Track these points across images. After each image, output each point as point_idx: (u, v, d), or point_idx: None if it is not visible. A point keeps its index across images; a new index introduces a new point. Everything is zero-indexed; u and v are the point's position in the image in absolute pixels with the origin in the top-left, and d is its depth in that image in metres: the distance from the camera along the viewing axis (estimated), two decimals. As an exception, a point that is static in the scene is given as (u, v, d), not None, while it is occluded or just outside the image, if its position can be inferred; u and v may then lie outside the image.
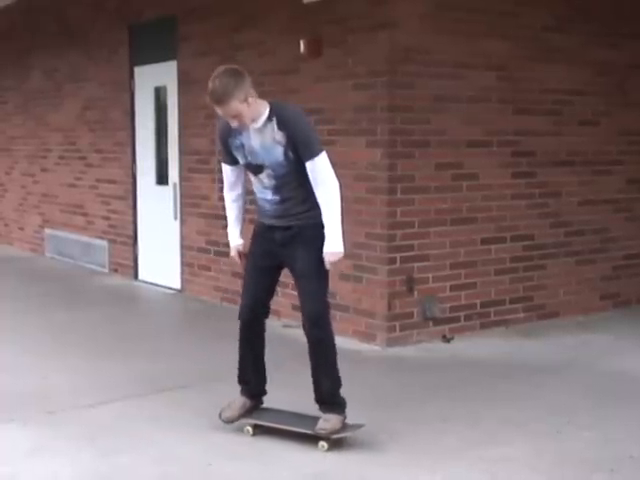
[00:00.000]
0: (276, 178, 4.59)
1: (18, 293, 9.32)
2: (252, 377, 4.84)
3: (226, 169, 4.86)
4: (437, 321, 6.98)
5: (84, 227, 11.08)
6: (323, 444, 4.58)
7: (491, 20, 7.09)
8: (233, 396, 4.95)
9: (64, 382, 5.85)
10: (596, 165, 7.95)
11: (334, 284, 6.96)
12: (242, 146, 4.64)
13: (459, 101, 6.98)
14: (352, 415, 4.79)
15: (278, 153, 4.53)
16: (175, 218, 9.17)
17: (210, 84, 4.44)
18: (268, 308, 4.81)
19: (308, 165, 4.50)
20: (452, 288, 7.06)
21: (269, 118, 4.53)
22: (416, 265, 6.84)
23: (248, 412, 4.82)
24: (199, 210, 8.78)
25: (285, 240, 4.64)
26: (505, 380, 5.86)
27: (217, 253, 8.37)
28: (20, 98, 12.77)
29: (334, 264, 4.60)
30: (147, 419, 5.08)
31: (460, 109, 6.99)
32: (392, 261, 6.72)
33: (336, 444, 4.60)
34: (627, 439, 4.71)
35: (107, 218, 10.54)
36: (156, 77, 9.46)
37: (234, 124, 4.52)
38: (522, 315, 7.50)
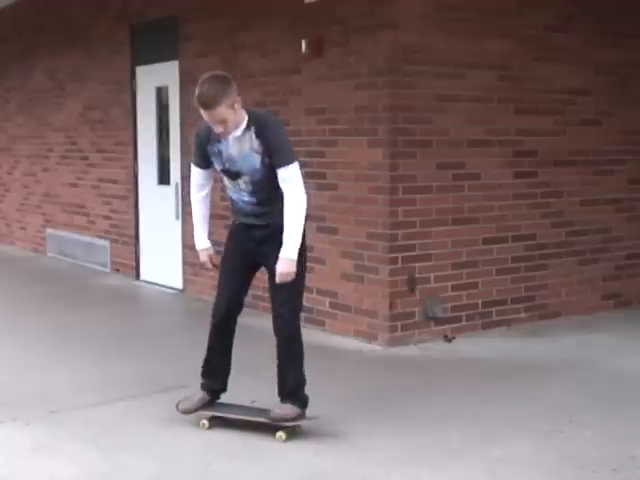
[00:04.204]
0: (253, 184, 4.69)
1: (20, 293, 9.32)
2: (217, 373, 4.91)
3: (197, 171, 4.92)
4: (439, 321, 6.98)
5: (86, 227, 11.09)
6: (281, 435, 4.67)
7: (493, 19, 7.09)
8: (234, 395, 4.97)
9: (66, 381, 5.86)
10: (598, 165, 7.94)
11: (336, 284, 7.04)
12: (220, 153, 4.71)
13: (461, 101, 6.97)
14: (352, 414, 4.79)
15: (255, 161, 4.61)
16: (177, 218, 9.16)
17: (198, 89, 4.50)
18: (242, 305, 4.92)
19: (280, 172, 4.57)
20: (454, 288, 7.06)
21: (248, 127, 4.60)
22: (418, 265, 6.84)
23: (205, 406, 4.91)
24: (201, 210, 8.76)
25: (263, 238, 4.74)
26: (506, 380, 5.85)
27: (219, 253, 8.34)
28: (22, 98, 12.78)
29: (284, 275, 4.56)
30: (149, 418, 5.08)
31: (462, 109, 6.98)
32: (394, 261, 6.72)
33: (293, 434, 4.68)
34: (629, 439, 4.71)
35: (109, 218, 10.54)
36: (158, 77, 9.46)
37: (218, 129, 4.57)
38: (524, 315, 7.50)
